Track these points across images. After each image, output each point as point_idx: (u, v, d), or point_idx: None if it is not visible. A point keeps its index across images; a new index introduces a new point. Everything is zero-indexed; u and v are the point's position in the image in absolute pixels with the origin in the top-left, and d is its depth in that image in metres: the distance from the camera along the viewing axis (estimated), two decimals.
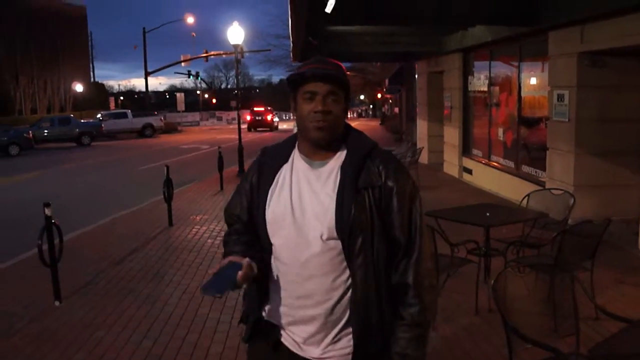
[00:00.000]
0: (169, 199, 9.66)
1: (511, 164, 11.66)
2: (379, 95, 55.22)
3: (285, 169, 2.09)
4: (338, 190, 1.98)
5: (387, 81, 30.93)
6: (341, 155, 2.05)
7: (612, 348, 2.53)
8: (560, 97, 8.91)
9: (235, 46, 17.10)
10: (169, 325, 5.28)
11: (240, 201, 2.21)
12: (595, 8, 7.46)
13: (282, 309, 2.05)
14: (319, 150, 2.05)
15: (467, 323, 5.11)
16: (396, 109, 26.99)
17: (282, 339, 2.08)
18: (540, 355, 3.18)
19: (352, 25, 11.64)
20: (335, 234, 1.95)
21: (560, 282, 3.62)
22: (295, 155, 2.11)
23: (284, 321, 2.06)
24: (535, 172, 10.46)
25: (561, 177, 8.96)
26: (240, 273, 1.87)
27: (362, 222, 1.95)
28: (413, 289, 1.99)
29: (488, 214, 5.50)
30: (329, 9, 6.97)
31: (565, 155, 8.90)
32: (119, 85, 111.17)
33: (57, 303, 5.98)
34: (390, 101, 45.36)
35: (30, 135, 28.67)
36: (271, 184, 2.08)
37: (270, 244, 2.06)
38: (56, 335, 5.19)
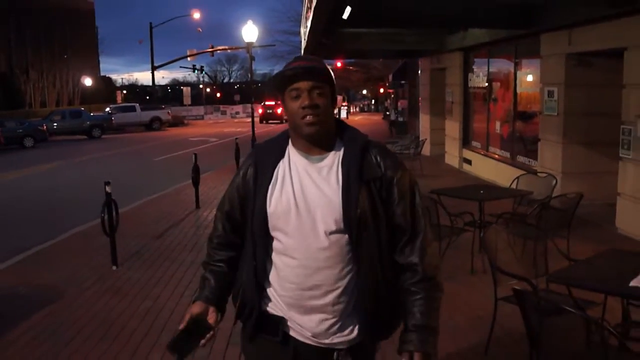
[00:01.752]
0: (196, 183, 10.64)
1: (507, 155, 12.67)
2: (382, 90, 55.97)
3: (282, 164, 2.09)
4: (343, 184, 2.01)
5: (391, 77, 31.78)
6: (338, 150, 2.08)
7: (565, 273, 3.56)
8: (550, 93, 9.91)
9: (249, 44, 18.08)
10: None
11: (231, 198, 2.21)
12: (581, 15, 8.46)
13: (289, 301, 2.08)
14: (314, 146, 2.07)
15: (465, 280, 6.14)
16: (403, 102, 27.87)
17: (290, 331, 2.10)
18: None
19: (362, 28, 12.61)
20: (342, 226, 1.99)
21: (539, 242, 4.62)
22: (291, 151, 2.11)
23: (291, 312, 2.09)
24: (529, 161, 11.46)
25: (551, 165, 9.97)
26: (203, 342, 2.01)
27: (369, 213, 2.00)
28: (421, 267, 2.05)
29: (482, 192, 6.52)
30: (345, 15, 7.94)
31: (554, 145, 9.91)
32: (121, 79, 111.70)
33: (114, 267, 6.99)
34: (392, 96, 46.15)
35: (44, 127, 29.51)
36: (270, 179, 2.07)
37: (267, 239, 2.09)
38: (121, 291, 6.21)
